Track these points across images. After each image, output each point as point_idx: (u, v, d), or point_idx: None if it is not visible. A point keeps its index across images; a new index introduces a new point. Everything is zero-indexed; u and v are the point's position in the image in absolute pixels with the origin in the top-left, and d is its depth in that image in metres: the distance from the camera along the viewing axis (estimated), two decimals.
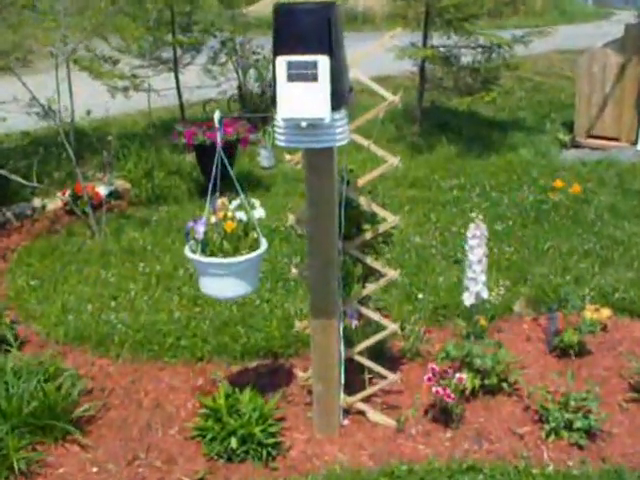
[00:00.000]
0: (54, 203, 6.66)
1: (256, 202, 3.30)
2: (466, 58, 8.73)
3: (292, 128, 2.73)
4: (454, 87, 8.77)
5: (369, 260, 3.32)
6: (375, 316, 3.42)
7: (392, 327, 3.40)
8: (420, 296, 4.66)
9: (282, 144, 2.82)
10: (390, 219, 3.25)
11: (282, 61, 2.62)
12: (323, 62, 2.58)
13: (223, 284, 3.19)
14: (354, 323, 3.42)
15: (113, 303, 4.84)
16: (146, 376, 4.05)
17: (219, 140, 3.22)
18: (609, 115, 8.14)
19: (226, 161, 3.29)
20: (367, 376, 3.71)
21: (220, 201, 3.26)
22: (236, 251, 3.16)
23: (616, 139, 8.15)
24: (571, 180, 7.10)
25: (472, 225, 3.53)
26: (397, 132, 8.85)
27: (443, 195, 6.85)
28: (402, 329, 4.31)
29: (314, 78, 2.57)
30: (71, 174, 6.72)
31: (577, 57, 13.01)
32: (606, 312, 4.37)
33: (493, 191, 6.89)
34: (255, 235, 3.23)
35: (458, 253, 5.48)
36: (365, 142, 3.15)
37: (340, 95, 2.70)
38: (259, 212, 3.28)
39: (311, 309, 3.19)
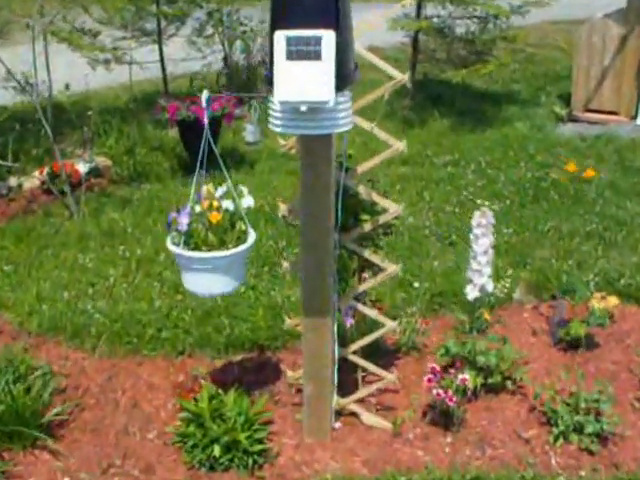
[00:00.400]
0: (31, 182, 6.34)
1: (244, 189, 3.02)
2: (460, 29, 8.41)
3: (289, 112, 2.43)
4: (447, 59, 8.45)
5: (367, 254, 3.05)
6: (372, 313, 3.16)
7: (390, 325, 3.15)
8: (416, 284, 4.39)
9: (278, 130, 2.52)
10: (392, 209, 2.97)
11: (281, 36, 2.31)
12: (328, 38, 2.27)
13: (208, 280, 2.91)
14: (349, 322, 3.16)
15: (90, 290, 4.56)
16: (124, 372, 3.78)
17: (206, 122, 2.92)
18: (608, 88, 7.85)
19: (214, 146, 3.00)
20: (361, 374, 3.45)
21: (205, 188, 2.98)
22: (222, 244, 2.88)
23: (615, 113, 7.86)
24: (569, 155, 6.85)
25: (477, 213, 3.26)
26: (387, 106, 8.51)
27: (437, 172, 6.56)
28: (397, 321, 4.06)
29: (317, 56, 2.27)
30: (49, 151, 6.38)
31: (571, 28, 12.79)
32: (613, 300, 4.10)
33: (489, 168, 6.60)
34: (243, 226, 2.95)
35: (453, 235, 5.23)
36: (367, 124, 2.86)
37: (345, 74, 2.41)
38: (248, 201, 3.00)
39: (303, 307, 2.92)
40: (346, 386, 3.40)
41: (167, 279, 4.62)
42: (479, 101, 8.70)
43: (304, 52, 2.27)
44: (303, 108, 2.34)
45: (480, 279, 3.28)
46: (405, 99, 8.46)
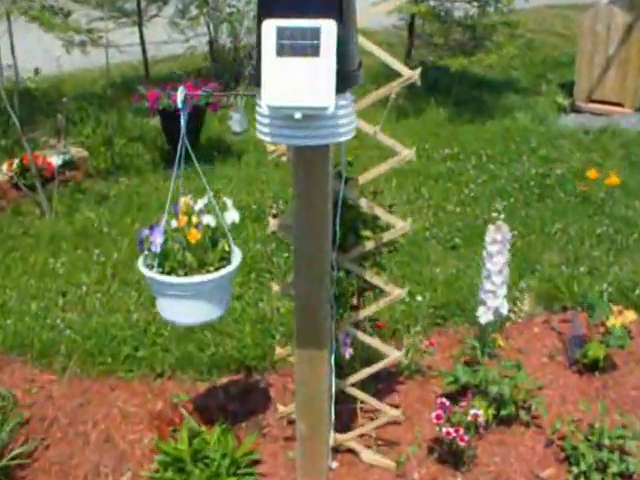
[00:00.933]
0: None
1: (228, 202, 2.63)
2: (458, 12, 8.01)
3: (280, 119, 2.00)
4: (445, 45, 8.06)
5: (368, 275, 2.67)
6: (374, 342, 2.79)
7: (395, 355, 2.78)
8: (419, 298, 4.01)
9: (266, 139, 2.08)
10: (398, 226, 2.59)
11: (270, 27, 1.87)
12: (328, 29, 1.84)
13: (186, 307, 2.53)
14: (347, 352, 2.79)
15: (61, 300, 4.17)
16: (96, 398, 3.40)
17: (183, 124, 2.52)
18: (612, 78, 7.48)
19: (192, 153, 2.61)
20: (360, 405, 3.10)
21: (183, 201, 2.59)
22: (202, 266, 2.50)
23: (619, 104, 7.50)
24: (572, 150, 6.49)
25: (491, 228, 2.90)
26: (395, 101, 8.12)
27: (435, 167, 6.19)
28: (404, 352, 3.72)
29: (315, 52, 1.84)
30: (19, 142, 5.97)
31: (569, 12, 12.42)
32: (630, 316, 3.75)
33: (490, 162, 6.24)
34: (227, 246, 2.57)
35: (456, 238, 4.86)
36: (369, 128, 2.48)
37: (347, 74, 1.98)
38: (232, 215, 2.61)
39: (296, 335, 2.55)
40: (343, 418, 3.04)
41: (145, 287, 4.22)
42: (477, 89, 8.32)
43: (299, 47, 1.85)
44: (297, 115, 1.91)
45: (494, 301, 2.92)
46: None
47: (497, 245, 2.87)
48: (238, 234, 4.89)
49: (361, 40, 2.33)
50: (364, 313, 2.75)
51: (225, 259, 2.57)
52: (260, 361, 3.59)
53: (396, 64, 2.42)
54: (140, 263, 2.55)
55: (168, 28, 7.81)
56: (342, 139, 2.08)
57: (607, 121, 7.23)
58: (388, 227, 2.70)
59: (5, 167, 5.84)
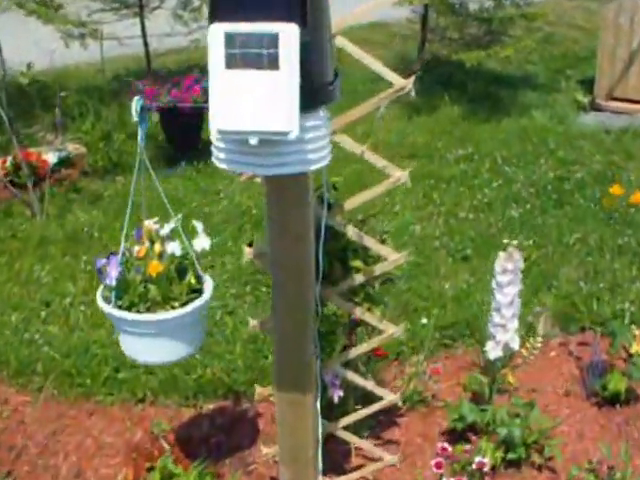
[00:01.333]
0: None
1: (198, 225, 2.33)
2: (474, 5, 7.67)
3: (236, 143, 1.66)
4: (459, 38, 7.72)
5: (359, 311, 2.37)
6: (367, 384, 2.50)
7: (390, 398, 2.49)
8: (424, 320, 3.71)
9: (222, 165, 1.73)
10: (391, 258, 2.29)
11: (217, 32, 1.53)
12: (289, 35, 1.50)
13: (149, 346, 2.25)
14: (337, 394, 2.49)
15: (44, 312, 3.91)
16: (71, 425, 3.14)
17: (140, 142, 2.21)
18: (635, 75, 7.11)
19: (152, 172, 2.31)
20: (354, 444, 2.81)
21: (146, 225, 2.30)
22: (167, 300, 2.21)
23: None
24: (593, 151, 6.16)
25: (502, 255, 2.60)
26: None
27: (447, 169, 5.87)
28: (400, 394, 3.44)
29: (273, 63, 1.51)
30: (17, 137, 5.72)
31: (590, 5, 12.01)
32: None
33: (505, 164, 5.91)
34: (193, 277, 2.26)
35: (467, 248, 4.56)
36: (356, 147, 2.17)
37: (318, 89, 1.65)
38: (202, 242, 2.30)
39: (276, 378, 2.25)
40: (336, 459, 2.76)
41: None
42: (493, 85, 7.96)
43: (253, 57, 1.51)
44: (253, 141, 1.57)
45: (504, 335, 2.62)
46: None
47: (508, 275, 2.57)
48: (235, 241, 4.62)
49: (342, 43, 2.03)
50: (356, 352, 2.44)
51: (197, 290, 2.27)
52: (250, 386, 3.29)
53: (386, 72, 2.11)
54: (98, 295, 2.26)
55: (171, 20, 7.50)
56: (313, 167, 1.73)
57: (629, 120, 6.87)
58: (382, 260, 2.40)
59: None
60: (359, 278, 2.29)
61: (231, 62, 1.51)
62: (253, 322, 2.38)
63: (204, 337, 2.40)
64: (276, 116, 1.52)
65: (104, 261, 2.22)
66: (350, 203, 2.23)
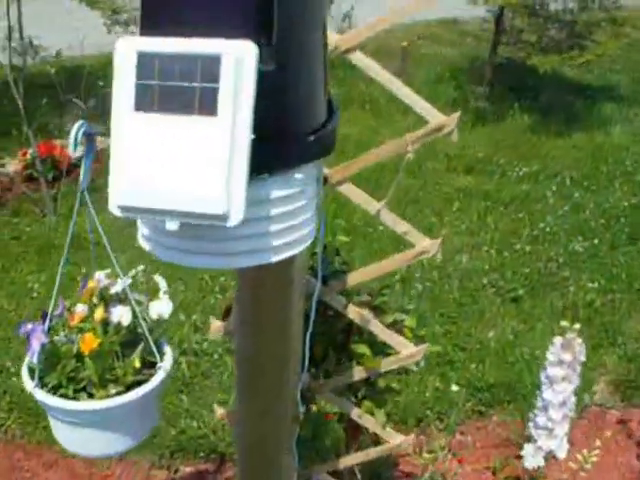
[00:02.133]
0: (14, 164, 5.29)
1: (161, 282, 1.75)
2: (555, 5, 6.97)
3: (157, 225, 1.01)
4: (537, 42, 7.02)
5: (356, 413, 1.76)
6: None
7: None
8: (454, 388, 3.10)
9: (148, 249, 1.08)
10: (406, 351, 1.66)
11: (128, 51, 0.90)
12: (237, 60, 0.86)
13: (81, 436, 1.71)
14: None
15: None
16: (26, 479, 2.68)
17: (83, 185, 1.62)
18: None
19: (92, 212, 1.76)
20: None
21: (90, 283, 1.75)
22: (105, 383, 1.66)
23: None
24: None
25: (558, 342, 1.97)
26: (458, 92, 7.16)
27: (508, 188, 5.23)
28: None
29: (208, 105, 0.88)
30: (44, 127, 5.34)
31: None
32: None
33: (574, 187, 5.23)
34: (138, 357, 1.71)
35: (519, 288, 3.93)
36: (369, 203, 1.54)
37: (293, 139, 0.99)
38: (162, 306, 1.74)
39: None
40: None
41: None
42: (569, 95, 7.24)
43: (178, 93, 0.89)
44: (171, 226, 0.94)
45: (548, 441, 2.01)
46: (481, 86, 7.09)
47: (563, 369, 1.95)
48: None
49: (362, 62, 1.40)
50: (351, 461, 1.84)
51: (150, 365, 1.72)
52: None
53: (421, 105, 1.45)
54: (24, 368, 1.73)
55: None
56: (284, 255, 1.05)
57: None
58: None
59: (19, 157, 5.21)
60: (359, 374, 1.69)
61: (144, 100, 0.90)
62: (220, 410, 1.82)
63: (158, 419, 1.84)
64: (207, 191, 0.90)
65: (27, 328, 1.69)
66: (357, 276, 1.59)
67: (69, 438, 1.72)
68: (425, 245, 1.49)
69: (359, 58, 1.36)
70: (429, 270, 3.95)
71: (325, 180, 1.41)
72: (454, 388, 3.06)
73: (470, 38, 8.76)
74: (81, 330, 1.68)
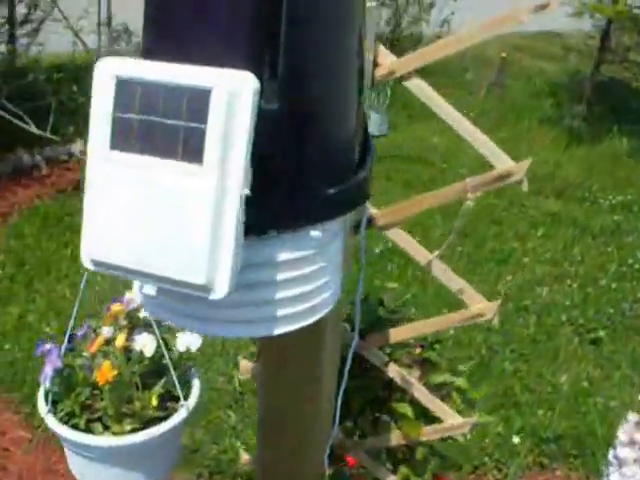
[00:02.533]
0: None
1: None
2: None
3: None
4: None
5: None
6: None
7: None
8: (516, 440, 2.84)
9: (144, 306, 0.98)
10: (451, 422, 1.43)
11: (105, 77, 0.74)
12: (230, 96, 0.69)
13: (95, 470, 1.57)
14: None
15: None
16: None
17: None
18: None
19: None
20: None
21: (113, 308, 1.61)
22: (121, 418, 1.52)
23: None
24: None
25: (633, 418, 1.71)
26: (555, 110, 6.83)
27: (598, 217, 4.91)
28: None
29: (192, 150, 0.70)
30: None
31: None
32: None
33: None
34: (154, 393, 1.55)
35: (600, 329, 3.65)
36: (420, 252, 1.32)
37: (306, 193, 0.80)
38: (190, 338, 1.59)
39: None
40: None
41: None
42: None
43: (161, 132, 0.72)
44: (148, 291, 0.80)
45: None
46: (579, 105, 6.74)
47: (635, 451, 1.70)
48: None
49: (422, 92, 1.20)
50: None
51: (174, 398, 1.57)
52: None
53: (488, 145, 1.24)
54: (41, 390, 1.60)
55: None
56: (279, 330, 0.86)
57: None
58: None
59: None
60: (398, 438, 1.49)
61: (121, 137, 0.74)
62: (245, 456, 1.66)
63: (178, 459, 1.67)
64: (188, 255, 0.73)
65: (47, 347, 1.56)
66: (401, 332, 1.40)
67: (84, 471, 1.60)
68: (481, 307, 1.29)
69: (418, 85, 1.17)
70: (503, 302, 3.70)
71: (369, 222, 1.23)
72: (515, 440, 2.80)
73: (574, 53, 8.39)
74: (105, 354, 1.55)
